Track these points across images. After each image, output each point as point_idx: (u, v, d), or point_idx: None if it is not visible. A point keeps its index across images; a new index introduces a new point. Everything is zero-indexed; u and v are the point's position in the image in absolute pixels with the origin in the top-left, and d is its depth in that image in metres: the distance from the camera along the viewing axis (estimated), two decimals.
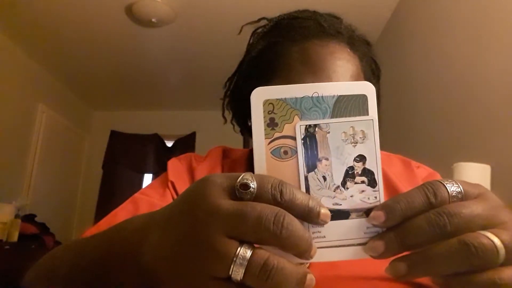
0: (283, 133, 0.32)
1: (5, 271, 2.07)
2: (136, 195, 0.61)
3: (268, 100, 0.32)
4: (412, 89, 2.17)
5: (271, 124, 0.32)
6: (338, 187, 0.31)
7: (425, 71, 2.02)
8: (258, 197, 0.28)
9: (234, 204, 0.28)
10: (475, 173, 1.29)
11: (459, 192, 0.30)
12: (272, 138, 0.31)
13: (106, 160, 4.10)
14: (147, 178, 4.17)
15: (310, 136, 0.32)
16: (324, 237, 0.30)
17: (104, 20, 2.73)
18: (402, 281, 0.47)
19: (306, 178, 0.31)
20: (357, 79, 0.60)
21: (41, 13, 2.68)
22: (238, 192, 0.28)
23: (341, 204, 0.31)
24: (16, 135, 3.16)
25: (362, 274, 0.47)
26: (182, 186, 0.61)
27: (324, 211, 0.29)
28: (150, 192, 0.61)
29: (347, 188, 0.31)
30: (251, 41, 0.70)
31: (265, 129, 0.32)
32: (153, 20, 2.61)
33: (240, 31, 0.71)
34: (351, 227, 0.31)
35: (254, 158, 0.31)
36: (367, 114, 0.32)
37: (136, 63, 3.34)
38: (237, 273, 0.26)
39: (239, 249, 0.27)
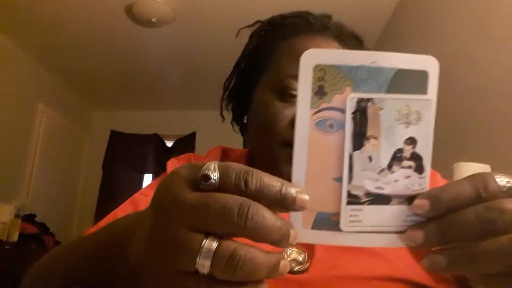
0: (331, 104, 0.29)
1: (5, 271, 2.07)
2: (136, 195, 0.61)
3: (320, 65, 0.29)
4: None
5: (320, 92, 0.29)
6: (383, 169, 0.29)
7: None
8: (221, 187, 0.27)
9: (196, 196, 0.26)
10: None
11: (511, 188, 0.28)
12: (319, 109, 0.29)
13: (106, 160, 4.10)
14: (147, 178, 4.17)
15: (361, 111, 0.28)
16: (361, 221, 0.28)
17: (104, 20, 2.73)
18: (402, 282, 0.47)
19: (350, 157, 0.28)
20: None
21: (41, 13, 2.68)
22: (200, 184, 0.27)
23: (384, 189, 0.29)
24: (16, 135, 3.16)
25: (362, 274, 0.47)
26: None
27: (300, 196, 0.27)
28: (149, 193, 0.61)
29: (393, 172, 0.29)
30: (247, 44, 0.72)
31: (311, 98, 0.29)
32: (153, 20, 2.61)
33: (237, 34, 0.73)
34: (390, 214, 0.29)
35: (295, 128, 0.29)
36: (425, 94, 0.29)
37: (136, 63, 3.34)
38: (203, 266, 0.25)
39: (204, 241, 0.26)
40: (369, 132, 0.29)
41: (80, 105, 4.11)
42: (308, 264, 0.48)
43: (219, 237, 0.26)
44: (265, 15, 0.71)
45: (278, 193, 0.27)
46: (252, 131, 0.65)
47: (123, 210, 0.59)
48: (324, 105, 0.29)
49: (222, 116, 0.74)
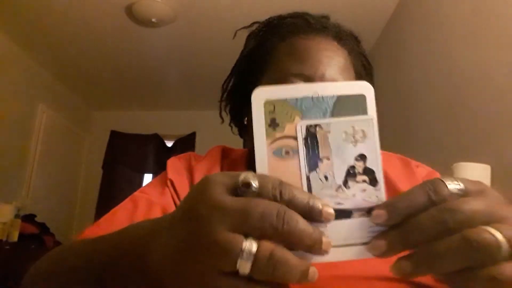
0: (284, 133, 0.32)
1: (5, 271, 2.07)
2: (136, 193, 0.61)
3: (269, 100, 0.32)
4: (412, 89, 2.17)
5: (272, 124, 0.32)
6: (340, 186, 0.31)
7: (425, 71, 2.02)
8: (259, 195, 0.29)
9: (238, 200, 0.28)
10: (475, 173, 1.29)
11: (460, 189, 0.30)
12: (274, 139, 0.31)
13: (106, 160, 4.10)
14: (147, 178, 4.17)
15: (311, 136, 0.32)
16: (327, 237, 0.30)
17: (104, 20, 2.73)
18: (402, 281, 0.47)
19: (308, 178, 0.31)
20: (345, 71, 0.61)
21: (42, 13, 2.68)
22: (240, 190, 0.29)
23: (343, 204, 0.31)
24: (16, 135, 3.16)
25: (362, 274, 0.47)
26: (181, 184, 0.62)
27: (326, 209, 0.29)
28: (149, 191, 0.61)
29: (349, 187, 0.31)
30: (245, 45, 0.72)
31: (266, 130, 0.32)
32: (153, 20, 2.61)
33: (234, 35, 0.73)
34: (353, 227, 0.31)
35: (255, 158, 0.31)
36: (366, 114, 0.32)
37: (136, 63, 3.34)
38: (245, 266, 0.27)
39: (244, 243, 0.27)
40: (322, 154, 0.31)
41: (80, 105, 4.11)
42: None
43: (257, 239, 0.27)
44: (265, 16, 0.71)
45: (307, 204, 0.29)
46: (252, 132, 0.66)
47: (123, 208, 0.59)
48: (278, 135, 0.32)
49: (221, 117, 0.74)
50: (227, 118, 0.75)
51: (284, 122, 0.32)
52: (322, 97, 0.32)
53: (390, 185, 0.58)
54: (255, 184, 0.28)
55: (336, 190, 0.31)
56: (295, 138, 0.31)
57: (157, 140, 4.17)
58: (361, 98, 0.33)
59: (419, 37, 2.14)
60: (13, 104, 3.10)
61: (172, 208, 0.58)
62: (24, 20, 2.77)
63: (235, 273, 0.27)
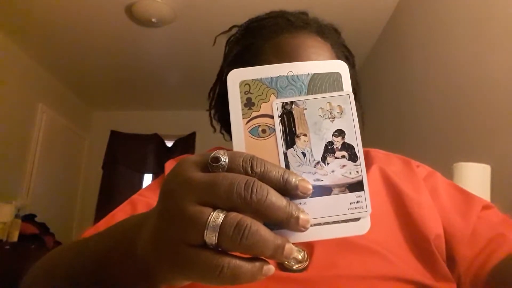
0: (260, 112, 0.32)
1: (5, 271, 2.07)
2: (134, 196, 0.61)
3: (244, 81, 0.32)
4: (412, 89, 2.17)
5: (248, 104, 0.32)
6: (318, 162, 0.31)
7: (425, 71, 2.02)
8: (229, 170, 0.28)
9: (206, 175, 0.28)
10: (475, 173, 1.29)
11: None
12: (250, 118, 0.32)
13: (106, 160, 4.10)
14: (147, 178, 4.17)
15: (287, 113, 0.32)
16: (306, 214, 0.29)
17: (104, 20, 2.73)
18: (403, 281, 0.47)
19: (285, 155, 0.31)
20: None
21: (41, 13, 2.68)
22: (210, 166, 0.29)
23: (322, 180, 0.31)
24: (16, 135, 3.16)
25: (362, 274, 0.47)
26: None
27: (302, 183, 0.28)
28: (147, 193, 0.62)
29: (328, 164, 0.31)
30: (226, 50, 0.72)
31: (242, 109, 0.32)
32: (153, 20, 2.61)
33: (214, 42, 0.73)
34: (334, 203, 0.30)
35: (232, 138, 0.31)
36: (342, 90, 0.32)
37: (136, 63, 3.34)
38: (211, 237, 0.26)
39: (211, 214, 0.27)
40: (299, 131, 0.31)
41: (80, 105, 4.11)
42: (307, 263, 0.48)
43: (224, 211, 0.27)
44: None
45: (281, 177, 0.28)
46: None
47: (122, 211, 0.59)
48: (254, 114, 0.32)
49: (212, 126, 0.74)
50: (219, 128, 0.75)
51: (260, 101, 0.32)
52: (297, 75, 0.32)
53: (390, 184, 0.58)
54: (224, 159, 0.28)
55: (315, 167, 0.31)
56: (271, 116, 0.32)
57: (157, 140, 4.17)
58: (337, 75, 0.33)
59: (419, 37, 2.14)
60: (13, 104, 3.09)
61: None
62: (24, 20, 2.77)
63: (204, 244, 0.27)
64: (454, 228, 0.54)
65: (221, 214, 0.27)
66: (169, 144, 4.22)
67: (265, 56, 0.63)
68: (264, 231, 0.27)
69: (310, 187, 0.29)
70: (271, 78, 0.32)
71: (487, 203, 0.59)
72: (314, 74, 0.32)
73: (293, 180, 0.28)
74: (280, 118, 0.31)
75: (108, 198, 3.82)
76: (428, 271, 0.50)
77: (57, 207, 3.59)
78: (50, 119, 3.53)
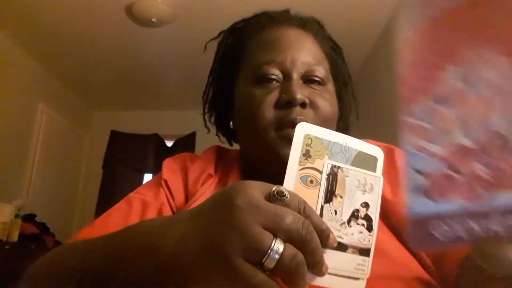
0: (313, 165, 0.37)
1: (5, 271, 2.06)
2: (131, 194, 0.62)
3: (309, 135, 0.38)
4: None
5: (306, 155, 0.38)
6: (344, 223, 0.36)
7: None
8: (287, 205, 0.33)
9: (272, 205, 0.32)
10: None
11: None
12: (304, 167, 0.37)
13: (106, 160, 4.10)
14: (147, 178, 4.17)
15: (333, 175, 0.37)
16: (327, 265, 0.34)
17: (104, 20, 2.73)
18: (404, 280, 0.47)
19: (322, 208, 0.36)
20: (314, 53, 0.63)
21: (41, 13, 2.68)
22: (273, 196, 0.33)
23: (342, 238, 0.36)
24: (16, 135, 3.16)
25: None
26: (176, 184, 0.62)
27: (332, 236, 0.34)
28: (144, 191, 0.62)
29: (351, 226, 0.37)
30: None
31: (300, 157, 0.37)
32: (153, 20, 2.61)
33: (205, 49, 0.75)
34: (346, 260, 0.36)
35: (285, 178, 0.37)
36: (375, 172, 0.39)
37: (136, 63, 3.34)
38: (270, 262, 0.30)
39: (274, 241, 0.30)
40: (337, 192, 0.37)
41: (80, 105, 4.11)
42: None
43: (283, 241, 0.31)
44: None
45: (320, 227, 0.33)
46: (241, 127, 0.66)
47: (118, 209, 0.59)
48: (308, 165, 0.37)
49: (207, 128, 0.74)
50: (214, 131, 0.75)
51: (316, 156, 0.38)
52: (349, 147, 0.39)
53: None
54: (287, 195, 0.33)
55: (340, 225, 0.36)
56: (320, 172, 0.37)
57: (157, 140, 4.17)
58: (375, 159, 0.40)
59: None
60: (13, 104, 3.09)
61: (167, 209, 0.59)
62: (24, 20, 2.77)
63: (258, 265, 0.30)
64: None
65: (281, 245, 0.30)
66: (169, 144, 4.22)
67: (247, 50, 0.65)
68: (305, 267, 0.31)
69: (337, 240, 0.35)
70: (330, 141, 0.38)
71: None
72: (360, 151, 0.39)
73: (329, 231, 0.34)
74: (326, 176, 0.37)
75: (108, 198, 3.82)
76: (428, 271, 0.50)
77: (57, 207, 3.59)
78: (50, 119, 3.53)
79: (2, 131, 2.95)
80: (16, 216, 2.63)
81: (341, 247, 0.36)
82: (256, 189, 0.33)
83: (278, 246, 0.30)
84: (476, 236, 0.23)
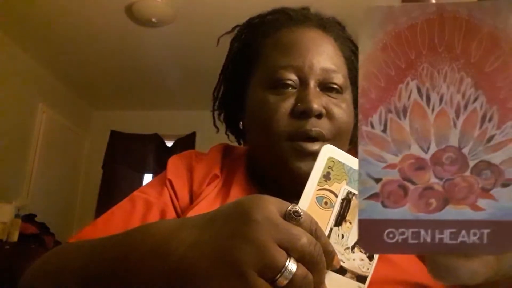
0: (330, 188, 0.39)
1: (5, 271, 2.07)
2: (135, 193, 0.61)
3: (333, 158, 0.39)
4: None
5: (326, 177, 0.39)
6: (348, 248, 0.38)
7: None
8: (300, 225, 0.33)
9: (288, 224, 0.33)
10: None
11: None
12: (322, 188, 0.39)
13: (106, 160, 4.10)
14: (147, 178, 4.17)
15: (347, 200, 0.39)
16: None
17: (104, 20, 2.73)
18: (410, 285, 0.47)
19: (331, 230, 0.38)
20: (334, 58, 0.60)
21: (41, 13, 2.68)
22: (289, 215, 0.33)
23: (344, 262, 0.38)
24: (16, 135, 3.16)
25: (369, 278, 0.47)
26: (180, 184, 0.61)
27: (337, 258, 0.36)
28: (148, 191, 0.61)
29: (354, 252, 0.38)
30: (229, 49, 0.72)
31: (319, 178, 0.39)
32: (153, 20, 2.61)
33: (218, 42, 0.73)
34: (343, 283, 0.37)
35: (302, 195, 0.39)
36: None
37: (136, 63, 3.33)
38: (283, 281, 0.31)
39: (288, 260, 0.31)
40: (348, 217, 0.39)
41: (80, 105, 4.11)
42: None
43: (295, 260, 0.32)
44: None
45: (328, 248, 0.35)
46: (252, 132, 0.64)
47: (120, 208, 0.58)
48: (326, 187, 0.39)
49: (215, 126, 0.73)
50: (223, 129, 0.74)
51: (334, 180, 0.39)
52: None
53: None
54: (302, 215, 0.34)
55: (344, 250, 0.38)
56: (336, 195, 0.39)
57: (157, 140, 4.16)
58: None
59: None
60: (13, 104, 3.09)
61: (170, 209, 0.58)
62: (24, 20, 2.77)
63: (270, 280, 0.31)
64: None
65: (295, 264, 0.31)
66: (169, 144, 4.21)
67: (263, 51, 0.62)
68: (312, 287, 0.33)
69: (340, 264, 0.36)
70: (350, 167, 0.39)
71: None
72: None
73: (333, 254, 0.36)
74: (341, 201, 0.39)
75: (108, 198, 3.82)
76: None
77: (57, 207, 3.59)
78: (50, 119, 3.53)
79: (2, 131, 2.95)
80: (16, 216, 2.63)
81: (341, 270, 0.38)
82: (274, 206, 0.33)
83: (292, 265, 0.31)
84: (425, 247, 0.23)
